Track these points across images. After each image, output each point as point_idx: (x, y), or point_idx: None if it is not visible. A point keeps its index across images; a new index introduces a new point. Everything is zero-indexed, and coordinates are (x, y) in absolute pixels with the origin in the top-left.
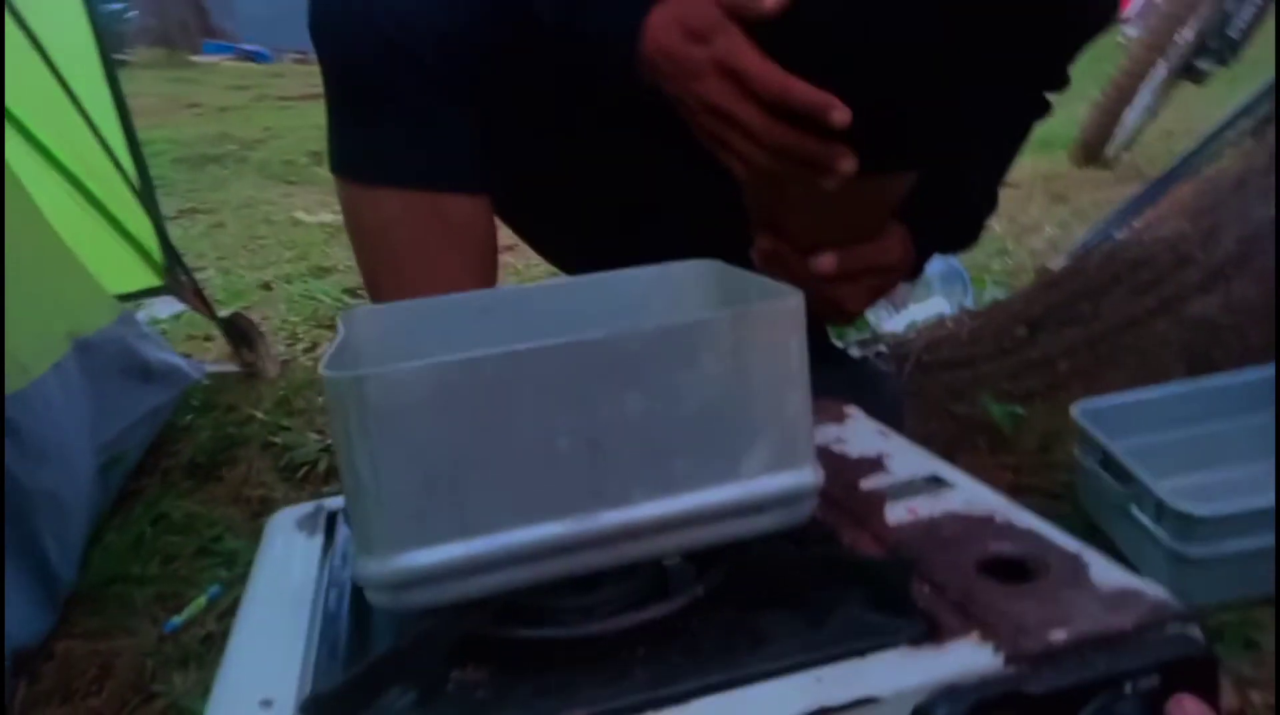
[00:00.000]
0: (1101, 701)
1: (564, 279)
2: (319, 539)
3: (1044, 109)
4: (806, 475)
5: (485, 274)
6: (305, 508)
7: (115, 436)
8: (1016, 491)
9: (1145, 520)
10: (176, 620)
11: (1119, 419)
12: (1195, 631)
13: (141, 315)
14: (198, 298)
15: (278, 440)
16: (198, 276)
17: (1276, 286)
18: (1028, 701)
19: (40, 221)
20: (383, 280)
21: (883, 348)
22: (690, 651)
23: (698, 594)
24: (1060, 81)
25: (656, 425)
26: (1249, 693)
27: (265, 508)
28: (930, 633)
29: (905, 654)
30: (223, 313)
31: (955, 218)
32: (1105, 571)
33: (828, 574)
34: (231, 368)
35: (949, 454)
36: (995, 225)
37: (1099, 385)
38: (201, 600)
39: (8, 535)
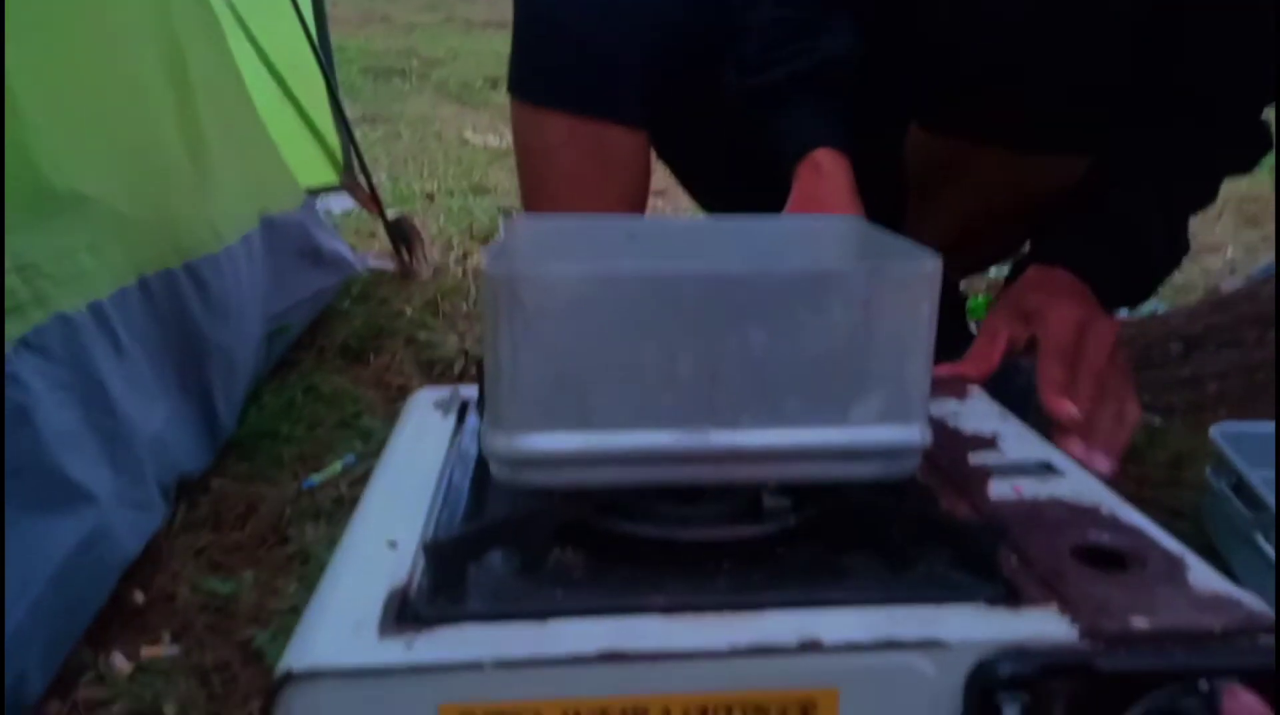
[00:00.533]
0: (1170, 691)
1: (711, 217)
2: (451, 419)
3: (1241, 164)
4: (914, 432)
5: (635, 205)
6: (443, 391)
7: (284, 309)
8: (1139, 504)
9: (1268, 548)
10: (314, 479)
11: (1259, 447)
12: None
13: (319, 206)
14: (371, 198)
15: (421, 336)
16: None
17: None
18: (1096, 677)
19: (251, 109)
20: (538, 200)
21: None
22: (773, 572)
23: (789, 524)
24: (1258, 143)
25: (775, 362)
26: None
27: (403, 394)
28: (1009, 598)
29: (980, 610)
30: (391, 214)
31: (1133, 265)
32: (1205, 576)
33: (918, 529)
34: (389, 266)
35: None
36: None
37: (1245, 412)
38: (338, 465)
39: (188, 379)
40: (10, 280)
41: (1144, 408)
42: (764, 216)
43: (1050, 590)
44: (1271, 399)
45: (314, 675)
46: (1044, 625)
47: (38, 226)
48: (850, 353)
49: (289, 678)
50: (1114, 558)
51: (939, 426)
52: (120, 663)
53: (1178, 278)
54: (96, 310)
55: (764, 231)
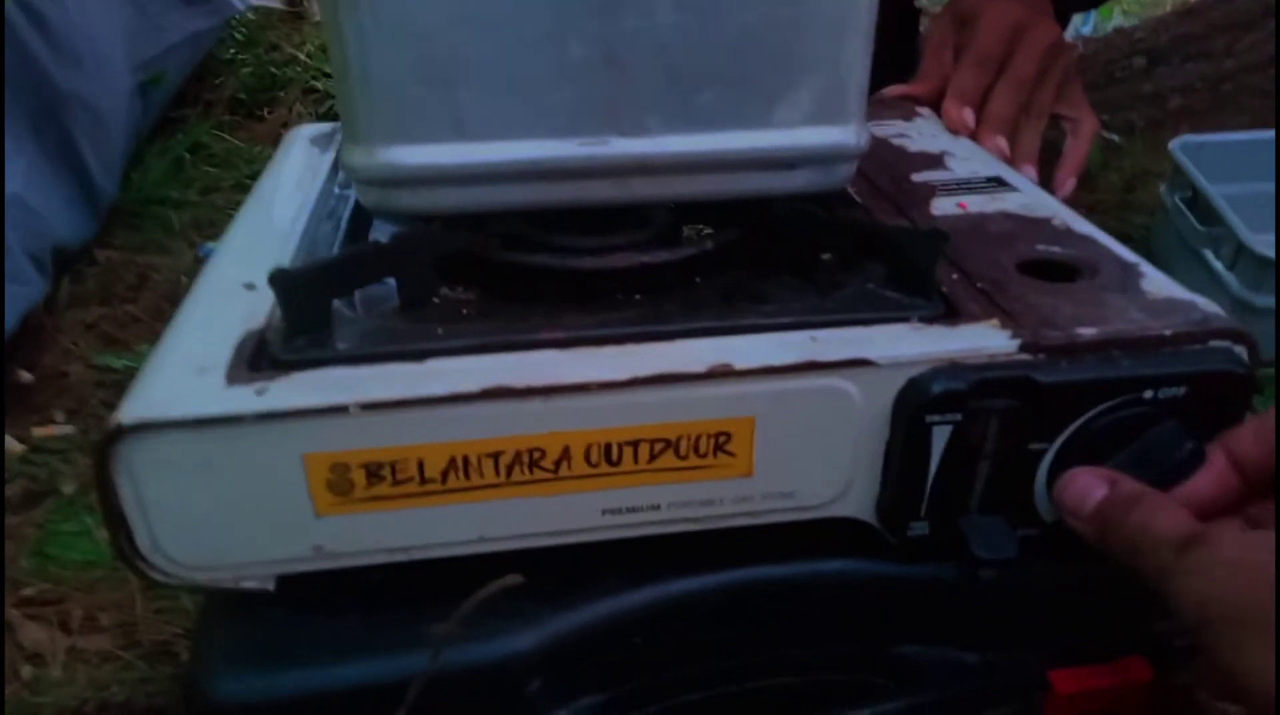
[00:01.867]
0: (1116, 403)
1: None
2: (330, 155)
3: None
4: (850, 134)
5: None
6: (324, 127)
7: (154, 56)
8: None
9: (1218, 265)
10: (210, 245)
11: (1221, 161)
12: (1241, 351)
13: None
14: None
15: (319, 85)
16: None
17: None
18: (1036, 390)
19: None
20: None
21: None
22: (686, 301)
23: (706, 248)
24: None
25: (686, 42)
26: None
27: None
28: (947, 315)
29: (913, 327)
30: None
31: None
32: (1160, 283)
33: (847, 240)
34: (276, 4)
35: None
36: None
37: (1210, 127)
38: None
39: (45, 133)
40: None
41: (1100, 128)
42: None
43: (991, 304)
44: (1240, 113)
45: (147, 427)
46: (981, 339)
47: None
48: (775, 30)
49: (119, 431)
50: (1063, 269)
51: (882, 147)
52: (11, 445)
53: None
54: None
55: None
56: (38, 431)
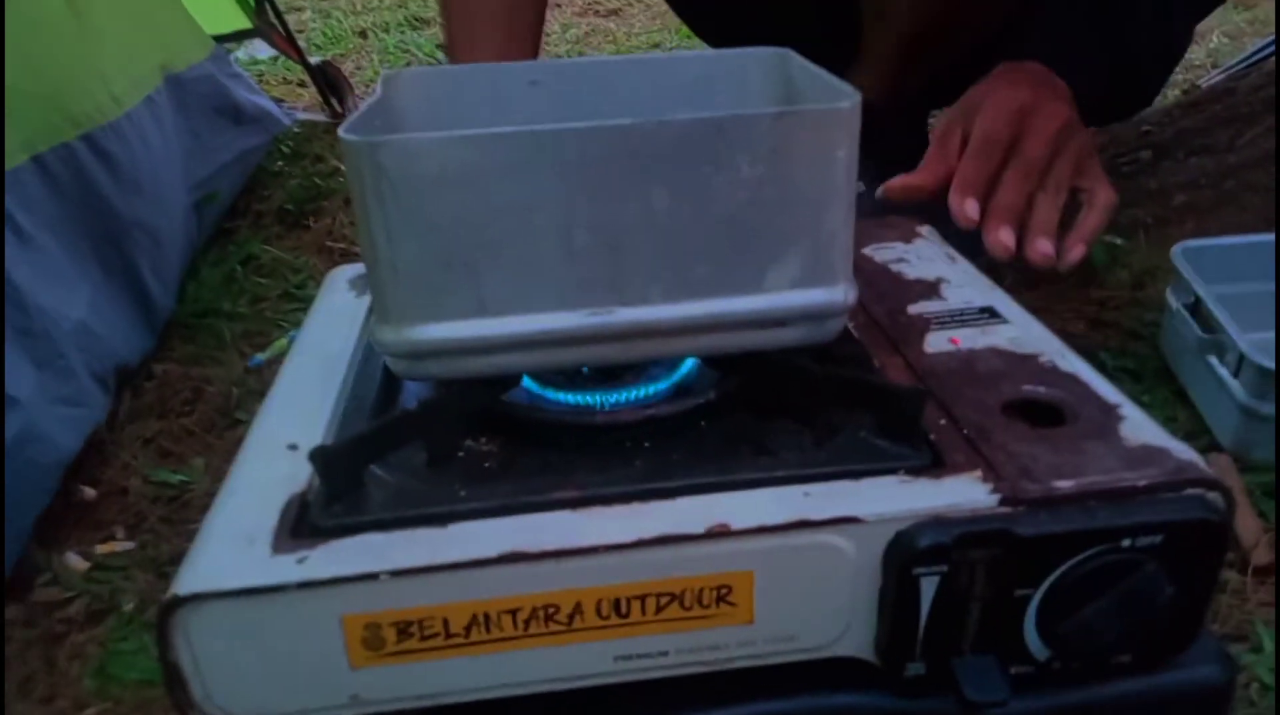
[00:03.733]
0: (1095, 551)
1: (622, 57)
2: (367, 299)
3: None
4: (837, 293)
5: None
6: (359, 268)
7: (208, 175)
8: (1098, 326)
9: (1223, 372)
10: (260, 357)
11: (1222, 263)
12: (1215, 498)
13: (241, 54)
14: (287, 42)
15: (353, 206)
16: (296, 17)
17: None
18: (1017, 542)
19: None
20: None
21: None
22: (692, 451)
23: (709, 398)
24: None
25: (682, 226)
26: None
27: (347, 260)
28: (933, 465)
29: (901, 481)
30: (315, 59)
31: (1120, 73)
32: (1138, 427)
33: (840, 395)
34: (321, 118)
35: (1031, 283)
36: None
37: (1214, 225)
38: (284, 341)
39: (109, 260)
40: None
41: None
42: (684, 53)
43: (975, 452)
44: (1243, 210)
45: (201, 597)
46: (964, 492)
47: None
48: (763, 208)
49: (176, 602)
50: (1047, 411)
51: (882, 275)
52: (75, 561)
53: None
54: None
55: (684, 68)
56: (100, 549)
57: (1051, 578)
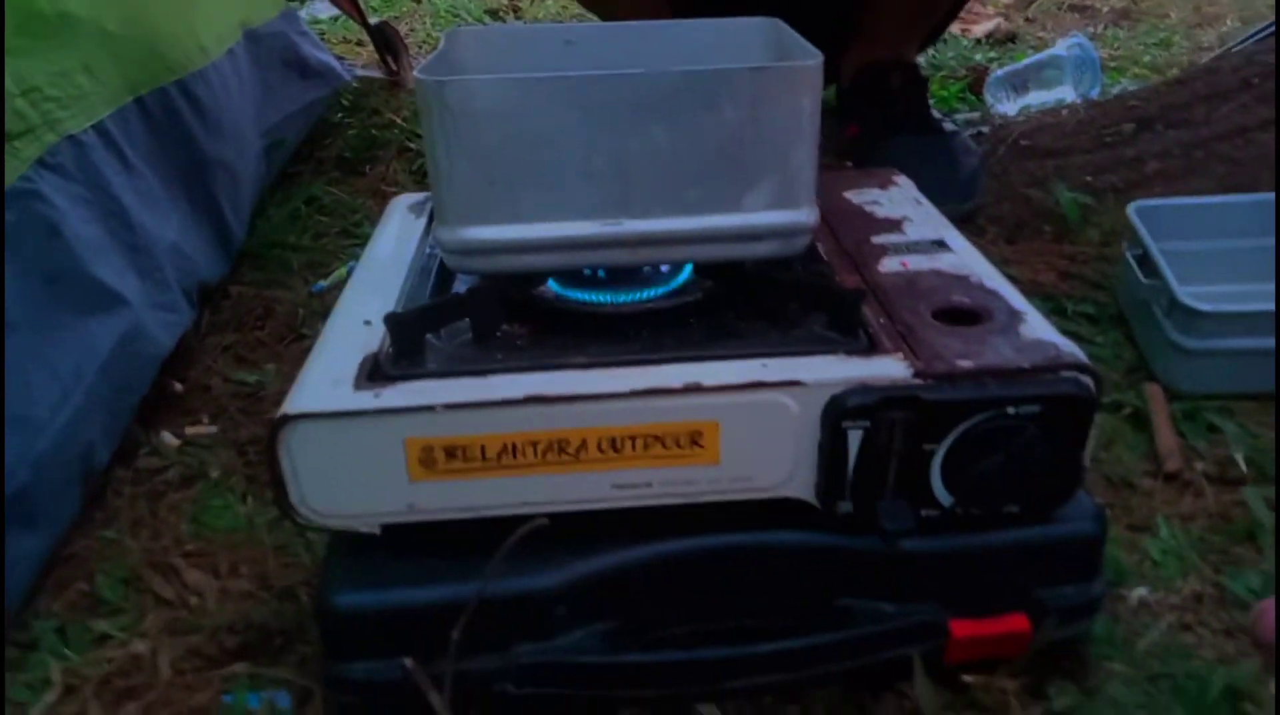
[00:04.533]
0: (985, 417)
1: (643, 23)
2: (424, 221)
3: None
4: (801, 215)
5: None
6: (417, 196)
7: (278, 122)
8: (1065, 277)
9: (1159, 313)
10: (322, 283)
11: (1173, 222)
12: (1087, 381)
13: (303, 13)
14: (351, 4)
15: (413, 146)
16: None
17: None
18: (923, 406)
19: None
20: None
21: (984, 129)
22: (679, 337)
23: (696, 298)
24: None
25: (677, 156)
26: (1195, 462)
27: None
28: (868, 350)
29: (839, 358)
30: (373, 20)
31: None
32: (1035, 327)
33: (799, 296)
34: (377, 74)
35: (1011, 237)
36: (1172, 13)
37: (1180, 189)
38: (343, 270)
39: (194, 192)
40: (18, 103)
41: (1082, 188)
42: (692, 20)
43: (902, 342)
44: (1207, 177)
45: (303, 417)
46: (887, 368)
47: (35, 50)
48: (742, 144)
49: (284, 419)
50: (968, 316)
51: (855, 213)
52: (169, 439)
53: (1161, 57)
54: (101, 130)
55: (690, 33)
56: (189, 430)
57: (952, 436)
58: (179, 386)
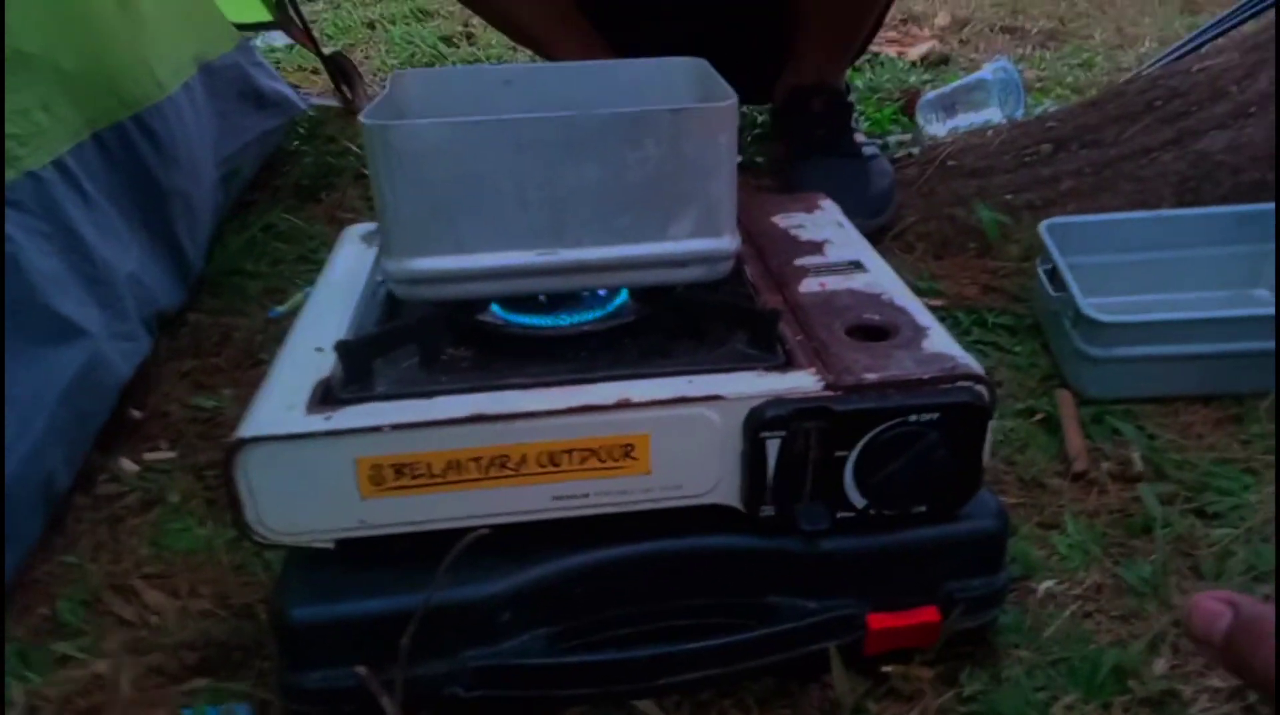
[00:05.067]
0: (890, 425)
1: (576, 63)
2: (374, 250)
3: None
4: (724, 242)
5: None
6: (369, 226)
7: (234, 152)
8: (988, 291)
9: (1067, 324)
10: (279, 309)
11: (1081, 237)
12: (981, 390)
13: (258, 42)
14: (304, 35)
15: (368, 172)
16: (309, 8)
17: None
18: (834, 416)
19: None
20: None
21: (915, 150)
22: (613, 357)
23: (629, 320)
24: None
25: (606, 190)
26: (1100, 463)
27: None
28: (784, 365)
29: (758, 374)
30: (327, 49)
31: None
32: (937, 342)
33: (722, 316)
34: (333, 103)
35: (938, 253)
36: (1096, 33)
37: (1090, 207)
38: (299, 296)
39: (151, 223)
40: None
41: (1002, 206)
42: (623, 60)
43: (816, 357)
44: (1115, 194)
45: (256, 440)
46: (800, 382)
47: None
48: (665, 179)
49: (239, 443)
50: (877, 332)
51: (781, 236)
52: (128, 465)
53: (1083, 77)
54: (60, 166)
55: (624, 72)
56: (147, 456)
57: (861, 442)
58: (138, 413)
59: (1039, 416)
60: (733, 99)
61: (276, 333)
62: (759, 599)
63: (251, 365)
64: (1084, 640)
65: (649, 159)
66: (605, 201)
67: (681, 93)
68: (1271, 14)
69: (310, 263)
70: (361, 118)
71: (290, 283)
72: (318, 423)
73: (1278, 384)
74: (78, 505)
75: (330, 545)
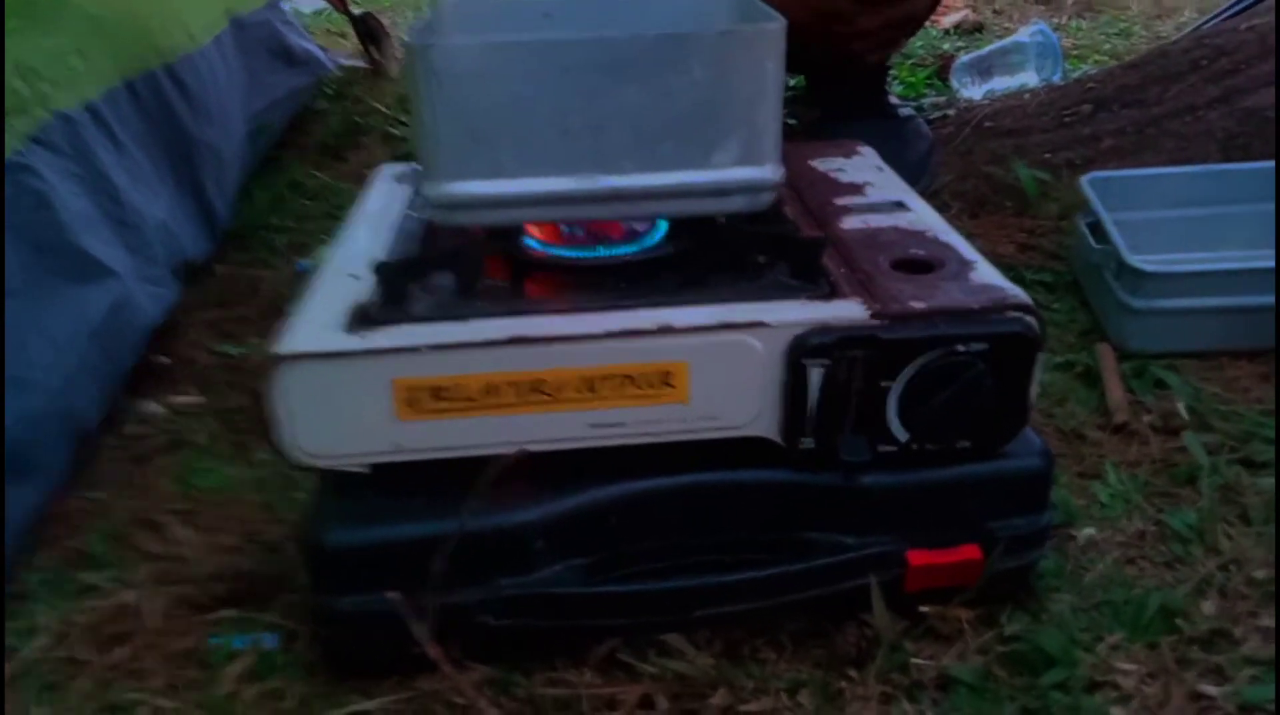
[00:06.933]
0: (937, 352)
1: None
2: (406, 188)
3: None
4: (766, 171)
5: None
6: (401, 166)
7: (263, 108)
8: (1025, 249)
9: (1109, 277)
10: (306, 262)
11: (1125, 192)
12: (1031, 321)
13: (286, 5)
14: None
15: (395, 132)
16: None
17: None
18: (880, 344)
19: None
20: None
21: (949, 113)
22: (653, 287)
23: (669, 252)
24: None
25: (648, 116)
26: (1141, 415)
27: None
28: (828, 295)
29: (802, 303)
30: (356, 10)
31: None
32: (984, 273)
33: (765, 247)
34: (360, 64)
35: (974, 212)
36: (1133, 4)
37: (1132, 164)
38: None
39: (181, 173)
40: (15, 82)
41: (1041, 165)
42: None
43: (862, 288)
44: (1158, 153)
45: (294, 356)
46: (846, 311)
47: (30, 31)
48: (710, 104)
49: (276, 358)
50: (922, 266)
51: (820, 178)
52: (156, 408)
53: (1121, 45)
54: (92, 109)
55: (660, 3)
56: (175, 399)
57: (907, 373)
58: (165, 360)
59: (1078, 370)
60: (781, 22)
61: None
62: (796, 534)
63: (278, 316)
64: (1127, 585)
65: (694, 84)
66: (647, 127)
67: (723, 19)
68: None
69: (336, 219)
70: (405, 36)
71: (316, 238)
72: (355, 342)
73: (1277, 356)
74: (105, 445)
75: (365, 470)
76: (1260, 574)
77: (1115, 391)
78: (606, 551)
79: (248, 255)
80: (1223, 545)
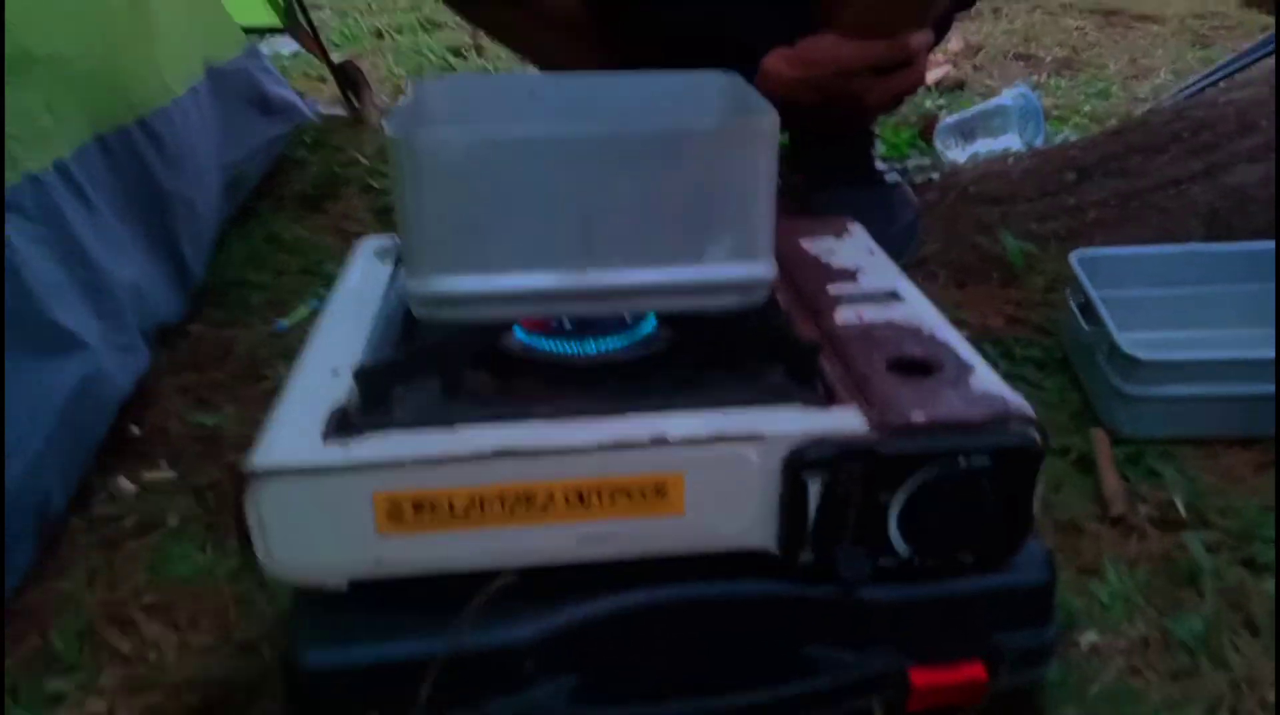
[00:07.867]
0: (938, 468)
1: (603, 74)
2: (389, 266)
3: None
4: (759, 268)
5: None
6: (383, 240)
7: (239, 158)
8: (1013, 322)
9: (1101, 359)
10: (284, 322)
11: (1113, 270)
12: (1032, 432)
13: (264, 49)
14: (314, 42)
15: (375, 183)
16: (315, 15)
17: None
18: (878, 458)
19: None
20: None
21: (934, 175)
22: (643, 387)
23: (660, 349)
24: None
25: (640, 211)
26: (1139, 506)
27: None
28: (825, 401)
29: (798, 410)
30: (336, 57)
31: None
32: (984, 380)
33: (759, 347)
34: (340, 112)
35: (961, 282)
36: (1110, 63)
37: (1117, 238)
38: (304, 310)
39: (153, 229)
40: None
41: (1026, 235)
42: (652, 72)
43: (858, 393)
44: (1143, 226)
45: (269, 472)
46: (844, 420)
47: None
48: (702, 200)
49: (251, 474)
50: (920, 367)
51: (812, 262)
52: (126, 485)
53: (1101, 106)
54: (61, 169)
55: (651, 84)
56: (147, 475)
57: (907, 486)
58: (136, 430)
59: (1073, 456)
60: (773, 114)
61: (280, 347)
62: (795, 649)
63: (254, 381)
64: (1134, 699)
65: (687, 180)
66: (639, 222)
67: (714, 107)
68: None
69: (314, 275)
70: (387, 128)
71: (294, 295)
72: (335, 454)
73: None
74: (73, 527)
75: (344, 586)
76: (1274, 696)
77: (1111, 481)
78: (600, 670)
79: (222, 313)
80: (1231, 659)
